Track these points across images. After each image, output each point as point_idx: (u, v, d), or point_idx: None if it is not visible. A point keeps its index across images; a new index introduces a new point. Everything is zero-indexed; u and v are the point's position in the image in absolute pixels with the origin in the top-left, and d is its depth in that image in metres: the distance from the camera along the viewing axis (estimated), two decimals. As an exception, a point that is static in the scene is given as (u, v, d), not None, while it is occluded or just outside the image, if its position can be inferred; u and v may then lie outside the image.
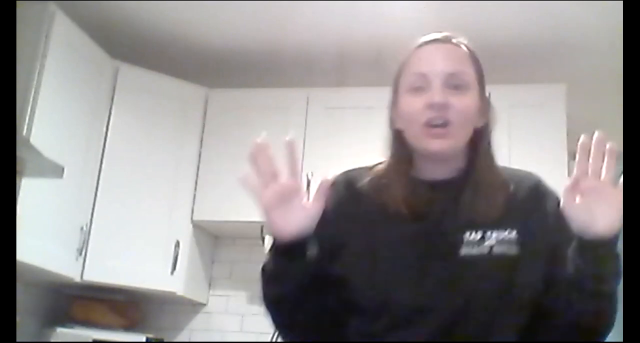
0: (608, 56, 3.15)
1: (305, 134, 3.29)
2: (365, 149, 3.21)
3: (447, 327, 1.16)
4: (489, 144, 1.28)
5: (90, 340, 2.94)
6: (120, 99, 3.21)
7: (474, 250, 1.17)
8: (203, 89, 3.46)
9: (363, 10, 3.06)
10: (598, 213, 1.14)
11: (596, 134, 1.22)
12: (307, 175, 3.21)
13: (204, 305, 3.50)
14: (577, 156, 1.21)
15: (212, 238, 3.56)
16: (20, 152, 2.33)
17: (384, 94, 3.83)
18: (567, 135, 3.09)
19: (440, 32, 1.31)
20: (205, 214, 3.31)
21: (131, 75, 3.26)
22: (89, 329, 2.99)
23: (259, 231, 3.29)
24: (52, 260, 2.78)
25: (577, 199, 1.18)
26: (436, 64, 1.24)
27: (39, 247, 2.67)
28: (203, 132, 3.41)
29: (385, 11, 3.06)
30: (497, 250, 1.18)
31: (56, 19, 2.77)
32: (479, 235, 1.18)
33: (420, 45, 1.29)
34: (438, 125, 1.19)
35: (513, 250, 1.18)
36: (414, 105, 1.22)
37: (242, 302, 3.49)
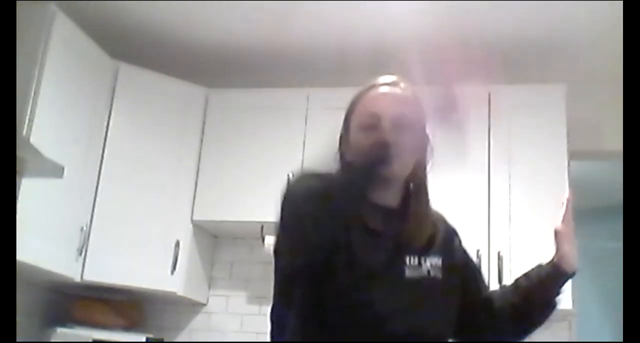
0: (608, 56, 3.16)
1: (305, 134, 3.29)
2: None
3: (400, 337, 1.30)
4: (424, 175, 1.44)
5: (90, 340, 2.94)
6: (120, 99, 3.21)
7: (416, 273, 1.35)
8: (203, 89, 3.46)
9: (363, 11, 3.06)
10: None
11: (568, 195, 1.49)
12: (307, 175, 3.21)
13: (204, 305, 3.50)
14: (564, 211, 1.47)
15: (212, 238, 3.56)
16: (20, 152, 2.33)
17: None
18: (567, 135, 3.09)
19: (392, 74, 1.51)
20: (205, 214, 3.31)
21: (131, 75, 3.26)
22: (89, 329, 2.99)
23: (259, 231, 3.29)
24: (52, 260, 2.78)
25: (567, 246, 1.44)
26: (386, 106, 1.40)
27: (39, 247, 2.67)
28: (203, 132, 3.41)
29: (385, 11, 3.06)
30: (432, 273, 1.37)
31: (56, 19, 2.77)
32: (416, 261, 1.36)
33: (373, 87, 1.47)
34: (385, 158, 1.35)
35: (440, 275, 1.38)
36: (365, 141, 1.37)
37: (242, 302, 3.49)
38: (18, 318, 2.51)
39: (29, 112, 2.64)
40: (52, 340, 2.91)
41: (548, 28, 3.10)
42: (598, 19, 2.98)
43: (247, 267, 3.52)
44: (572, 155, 3.16)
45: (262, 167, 3.27)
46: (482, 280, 1.53)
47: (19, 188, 2.55)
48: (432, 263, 1.37)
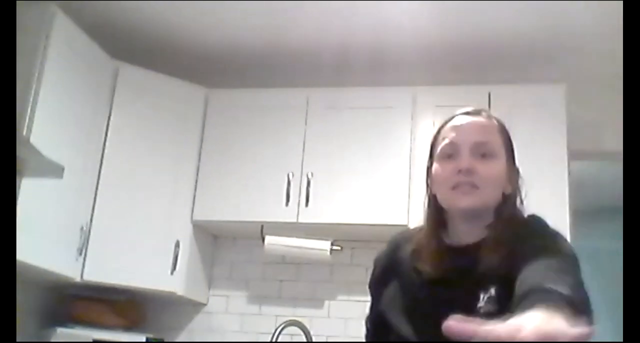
0: (608, 56, 3.15)
1: (305, 134, 3.29)
2: (365, 149, 3.23)
3: None
4: (513, 208, 1.38)
5: (90, 340, 2.94)
6: (120, 99, 3.21)
7: (492, 307, 1.24)
8: (203, 89, 3.46)
9: (363, 11, 3.06)
10: None
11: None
12: (307, 175, 3.22)
13: (204, 305, 3.50)
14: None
15: (212, 238, 3.56)
16: (20, 152, 2.33)
17: (384, 94, 3.84)
18: (567, 135, 3.09)
19: (472, 107, 1.45)
20: (205, 214, 3.31)
21: (131, 75, 3.26)
22: (89, 329, 2.99)
23: (259, 231, 3.29)
24: (52, 260, 2.78)
25: None
26: (465, 133, 1.36)
27: (39, 247, 2.67)
28: (203, 132, 3.41)
29: (385, 11, 3.06)
30: (485, 309, 1.24)
31: (56, 19, 2.77)
32: (492, 292, 1.26)
33: (454, 117, 1.42)
34: (464, 185, 1.32)
35: (494, 308, 1.24)
36: (444, 170, 1.35)
37: (242, 302, 3.49)
38: (18, 318, 2.51)
39: (29, 112, 2.63)
40: (52, 340, 2.91)
41: (548, 28, 3.10)
42: (598, 19, 2.98)
43: (247, 267, 3.52)
44: (572, 155, 3.16)
45: (262, 167, 3.27)
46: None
47: (19, 188, 2.55)
48: (484, 301, 1.26)
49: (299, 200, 3.18)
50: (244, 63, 3.59)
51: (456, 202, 1.33)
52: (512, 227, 1.33)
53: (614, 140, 3.24)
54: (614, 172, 3.40)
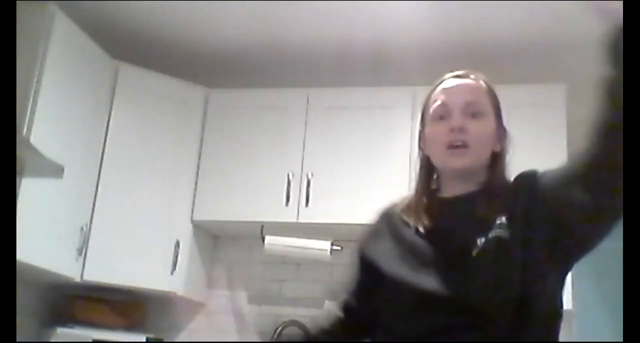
0: (608, 56, 3.15)
1: (305, 134, 3.29)
2: (365, 149, 3.23)
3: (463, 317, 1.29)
4: (503, 166, 1.44)
5: (90, 340, 2.94)
6: (120, 99, 3.21)
7: (481, 247, 1.31)
8: (203, 89, 3.46)
9: (363, 11, 3.06)
10: None
11: None
12: (307, 175, 3.22)
13: (204, 305, 3.50)
14: None
15: (212, 238, 3.56)
16: (20, 152, 2.33)
17: (384, 94, 3.84)
18: (567, 135, 3.09)
19: (461, 70, 1.51)
20: (205, 214, 3.31)
21: (131, 75, 3.26)
22: (89, 329, 2.99)
23: (259, 231, 3.29)
24: (52, 260, 2.78)
25: None
26: (455, 95, 1.43)
27: (39, 247, 2.67)
28: (203, 132, 3.41)
29: (386, 11, 3.05)
30: (491, 234, 1.32)
31: (56, 19, 2.77)
32: (487, 236, 1.32)
33: (443, 81, 1.49)
34: (458, 145, 1.37)
35: (505, 233, 1.31)
36: (437, 131, 1.41)
37: (242, 302, 3.48)
38: (18, 318, 2.51)
39: (29, 112, 2.63)
40: (52, 340, 2.91)
41: (548, 28, 3.10)
42: (598, 19, 2.97)
43: (247, 267, 3.52)
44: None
45: (262, 167, 3.27)
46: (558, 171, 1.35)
47: (19, 188, 2.55)
48: (496, 229, 1.31)
49: (299, 200, 3.18)
50: (244, 63, 3.59)
51: (450, 162, 1.39)
52: (505, 180, 1.42)
53: (614, 140, 3.24)
54: (614, 172, 3.39)
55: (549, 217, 1.30)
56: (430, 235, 1.38)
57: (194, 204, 3.31)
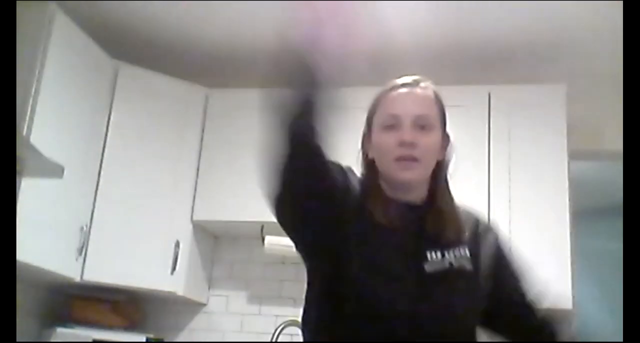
0: (608, 56, 3.16)
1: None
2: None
3: (418, 333, 1.31)
4: (445, 174, 1.47)
5: (90, 340, 2.94)
6: (120, 99, 3.21)
7: (437, 266, 1.36)
8: (203, 89, 3.46)
9: (363, 11, 3.06)
10: None
11: None
12: (307, 175, 3.21)
13: (204, 305, 3.50)
14: None
15: (212, 238, 3.56)
16: (20, 152, 2.33)
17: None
18: (567, 135, 3.09)
19: (411, 75, 1.53)
20: (205, 214, 3.31)
21: (131, 75, 3.26)
22: (89, 329, 2.99)
23: (259, 231, 3.29)
24: (52, 260, 2.78)
25: None
26: (407, 106, 1.43)
27: (39, 247, 2.67)
28: (203, 132, 3.41)
29: (385, 11, 3.05)
30: (456, 264, 1.37)
31: (56, 19, 2.77)
32: (439, 255, 1.37)
33: (393, 88, 1.48)
34: (407, 159, 1.39)
35: (468, 266, 1.39)
36: (387, 141, 1.41)
37: (242, 302, 3.49)
38: (18, 318, 2.51)
39: (29, 112, 2.63)
40: (52, 340, 2.91)
41: (548, 28, 3.10)
42: (598, 19, 2.98)
43: (247, 267, 3.52)
44: (572, 155, 3.16)
45: (262, 167, 3.27)
46: (520, 281, 1.50)
47: (19, 188, 2.55)
48: (457, 254, 1.38)
49: (299, 200, 3.17)
50: (244, 63, 3.59)
51: (399, 174, 1.40)
52: (450, 191, 1.46)
53: (614, 140, 3.24)
54: (614, 172, 3.40)
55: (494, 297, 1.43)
56: (382, 230, 1.38)
57: (194, 204, 3.31)
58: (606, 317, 4.82)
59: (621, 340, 1.41)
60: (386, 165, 1.42)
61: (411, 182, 1.41)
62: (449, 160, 1.47)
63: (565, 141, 3.08)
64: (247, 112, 3.41)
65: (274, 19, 3.20)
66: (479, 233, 1.46)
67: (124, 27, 3.32)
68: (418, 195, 1.43)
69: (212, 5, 3.11)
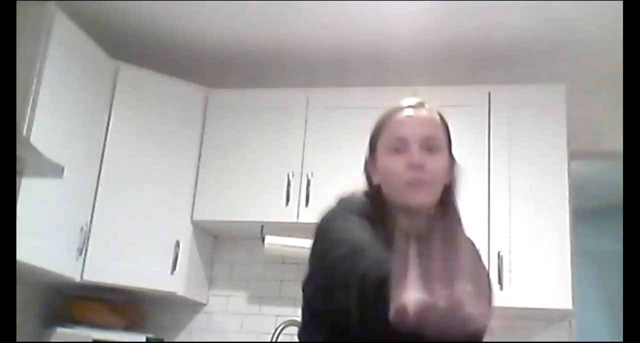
0: (608, 56, 3.16)
1: (305, 134, 3.29)
2: (365, 149, 3.23)
3: None
4: (454, 199, 1.43)
5: (90, 340, 2.94)
6: (120, 99, 3.21)
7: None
8: (203, 89, 3.46)
9: (363, 11, 3.06)
10: None
11: None
12: (307, 175, 3.22)
13: (204, 305, 3.51)
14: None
15: (212, 238, 3.56)
16: (20, 152, 2.33)
17: (384, 94, 3.83)
18: (567, 135, 3.09)
19: (414, 97, 1.48)
20: (205, 214, 3.31)
21: (131, 75, 3.26)
22: (89, 329, 2.99)
23: (259, 231, 3.29)
24: (52, 260, 2.78)
25: None
26: (414, 129, 1.39)
27: (39, 247, 2.67)
28: (203, 132, 3.41)
29: (385, 11, 3.06)
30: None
31: (56, 19, 2.77)
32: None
33: (398, 110, 1.44)
34: (417, 183, 1.35)
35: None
36: (394, 165, 1.37)
37: (242, 302, 3.49)
38: (18, 318, 2.51)
39: (29, 112, 2.63)
40: (52, 340, 2.91)
41: (548, 28, 3.10)
42: (598, 19, 2.98)
43: (247, 267, 3.52)
44: (572, 155, 3.16)
45: (262, 167, 3.27)
46: None
47: (19, 188, 2.55)
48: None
49: (299, 200, 3.18)
50: (244, 63, 3.59)
51: (410, 198, 1.36)
52: (459, 213, 1.41)
53: (614, 140, 3.24)
54: (614, 172, 3.40)
55: None
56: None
57: (194, 204, 3.31)
58: (606, 317, 4.82)
59: (621, 340, 1.41)
60: (395, 190, 1.38)
61: (421, 206, 1.37)
62: (456, 183, 1.43)
63: (565, 141, 3.08)
64: (247, 112, 3.41)
65: (274, 19, 3.20)
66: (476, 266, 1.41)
67: (124, 27, 3.32)
68: (423, 220, 1.37)
69: (212, 5, 3.11)
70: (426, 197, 1.36)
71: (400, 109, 1.45)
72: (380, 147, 1.43)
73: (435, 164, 1.37)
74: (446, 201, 1.41)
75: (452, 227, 1.31)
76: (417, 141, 1.37)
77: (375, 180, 1.43)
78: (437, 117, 1.44)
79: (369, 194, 1.45)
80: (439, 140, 1.40)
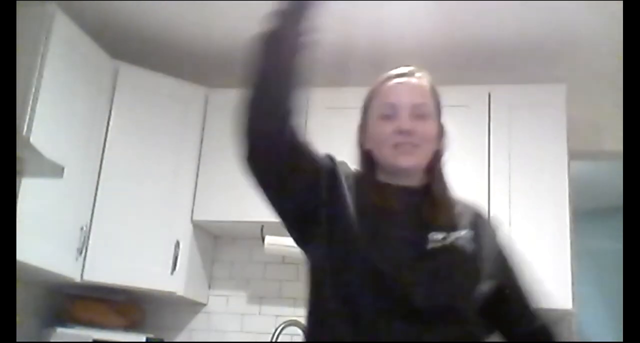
0: (608, 56, 3.15)
1: (305, 134, 3.29)
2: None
3: (419, 305, 1.31)
4: (442, 164, 1.49)
5: (90, 340, 2.94)
6: (120, 99, 3.21)
7: (437, 245, 1.36)
8: (203, 89, 3.46)
9: (363, 11, 3.06)
10: None
11: None
12: (307, 175, 3.22)
13: (204, 305, 3.51)
14: None
15: (212, 238, 3.56)
16: (20, 152, 2.33)
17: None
18: (567, 135, 3.09)
19: (407, 65, 1.52)
20: (205, 214, 3.31)
21: (131, 75, 3.26)
22: (89, 329, 2.99)
23: (259, 231, 3.29)
24: (52, 260, 2.78)
25: None
26: (404, 96, 1.45)
27: (39, 247, 2.67)
28: (203, 132, 3.41)
29: (385, 11, 3.06)
30: (457, 243, 1.38)
31: (56, 19, 2.77)
32: (441, 235, 1.38)
33: (390, 78, 1.50)
34: (404, 145, 1.41)
35: (471, 246, 1.39)
36: (384, 130, 1.43)
37: (242, 302, 3.49)
38: (18, 318, 2.51)
39: (29, 112, 2.63)
40: (52, 340, 2.91)
41: (548, 28, 3.10)
42: (598, 19, 2.98)
43: (247, 267, 3.52)
44: (572, 155, 3.16)
45: (262, 167, 3.27)
46: (519, 282, 1.51)
47: (19, 188, 2.55)
48: (459, 235, 1.39)
49: (299, 200, 3.17)
50: (244, 63, 3.58)
51: (398, 161, 1.41)
52: (446, 178, 1.47)
53: (614, 140, 3.24)
54: (614, 172, 3.40)
55: (494, 286, 1.42)
56: (381, 213, 1.39)
57: (194, 204, 3.31)
58: (606, 317, 4.82)
59: (621, 340, 1.41)
60: (384, 153, 1.43)
61: (409, 169, 1.42)
62: (444, 151, 1.49)
63: (565, 141, 3.08)
64: (247, 112, 3.41)
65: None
66: (479, 224, 1.46)
67: (124, 27, 3.32)
68: (416, 181, 1.45)
69: (212, 5, 3.11)
70: (414, 160, 1.42)
71: (392, 76, 1.51)
72: (372, 113, 1.49)
73: (424, 129, 1.42)
74: (434, 166, 1.46)
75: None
76: (406, 108, 1.43)
77: (366, 146, 1.49)
78: (428, 85, 1.49)
79: (360, 159, 1.51)
80: (428, 107, 1.45)
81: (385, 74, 1.52)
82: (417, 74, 1.50)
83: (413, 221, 1.39)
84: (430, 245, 1.36)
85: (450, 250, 1.36)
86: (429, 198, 1.43)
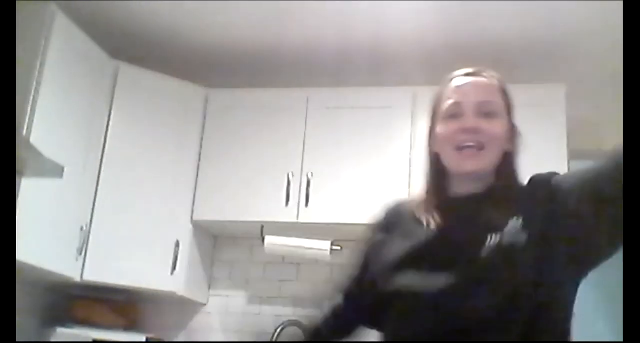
0: (608, 56, 3.15)
1: (305, 134, 3.29)
2: (365, 149, 3.23)
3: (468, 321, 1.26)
4: (514, 167, 1.42)
5: (90, 340, 2.94)
6: (120, 99, 3.21)
7: (491, 250, 1.27)
8: (203, 89, 3.46)
9: (362, 10, 3.06)
10: None
11: None
12: (307, 175, 3.22)
13: (204, 305, 3.50)
14: None
15: (212, 238, 3.56)
16: (20, 152, 2.33)
17: (384, 94, 3.85)
18: (567, 135, 3.09)
19: (474, 67, 1.48)
20: (205, 214, 3.31)
21: (131, 75, 3.26)
22: (89, 329, 2.99)
23: (259, 231, 3.29)
24: (52, 260, 2.78)
25: None
26: (469, 94, 1.39)
27: (39, 247, 2.67)
28: (203, 132, 3.41)
29: (385, 11, 3.06)
30: (505, 240, 1.26)
31: (56, 19, 2.77)
32: (498, 238, 1.27)
33: (455, 78, 1.44)
34: (469, 147, 1.34)
35: (520, 238, 1.26)
36: (449, 130, 1.37)
37: (242, 302, 3.49)
38: (18, 318, 2.51)
39: (29, 112, 2.64)
40: (52, 340, 2.91)
41: (548, 28, 3.10)
42: (598, 19, 2.98)
43: (247, 267, 3.52)
44: (572, 155, 3.16)
45: (262, 167, 3.27)
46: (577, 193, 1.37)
47: (19, 189, 2.55)
48: (513, 228, 1.27)
49: (299, 200, 3.18)
50: (244, 63, 3.59)
51: (462, 165, 1.35)
52: (517, 180, 1.40)
53: (614, 140, 3.23)
54: (614, 172, 3.39)
55: (574, 218, 1.29)
56: (442, 233, 1.34)
57: (194, 204, 3.31)
58: (606, 317, 4.81)
59: (621, 340, 1.41)
60: (448, 157, 1.37)
61: (474, 173, 1.35)
62: (516, 153, 1.42)
63: (565, 141, 3.08)
64: (247, 112, 3.41)
65: (274, 19, 3.20)
66: (534, 192, 1.35)
67: (124, 27, 3.32)
68: (483, 187, 1.36)
69: (212, 5, 3.11)
70: (479, 164, 1.34)
71: (458, 75, 1.45)
72: (438, 115, 1.41)
73: (491, 128, 1.35)
74: (504, 169, 1.39)
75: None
76: (471, 106, 1.36)
77: (435, 149, 1.42)
78: (496, 83, 1.43)
79: (431, 163, 1.44)
80: (495, 105, 1.38)
81: (452, 73, 1.47)
82: (485, 73, 1.45)
83: (467, 232, 1.32)
84: (484, 254, 1.26)
85: (499, 254, 1.26)
86: (489, 205, 1.33)
